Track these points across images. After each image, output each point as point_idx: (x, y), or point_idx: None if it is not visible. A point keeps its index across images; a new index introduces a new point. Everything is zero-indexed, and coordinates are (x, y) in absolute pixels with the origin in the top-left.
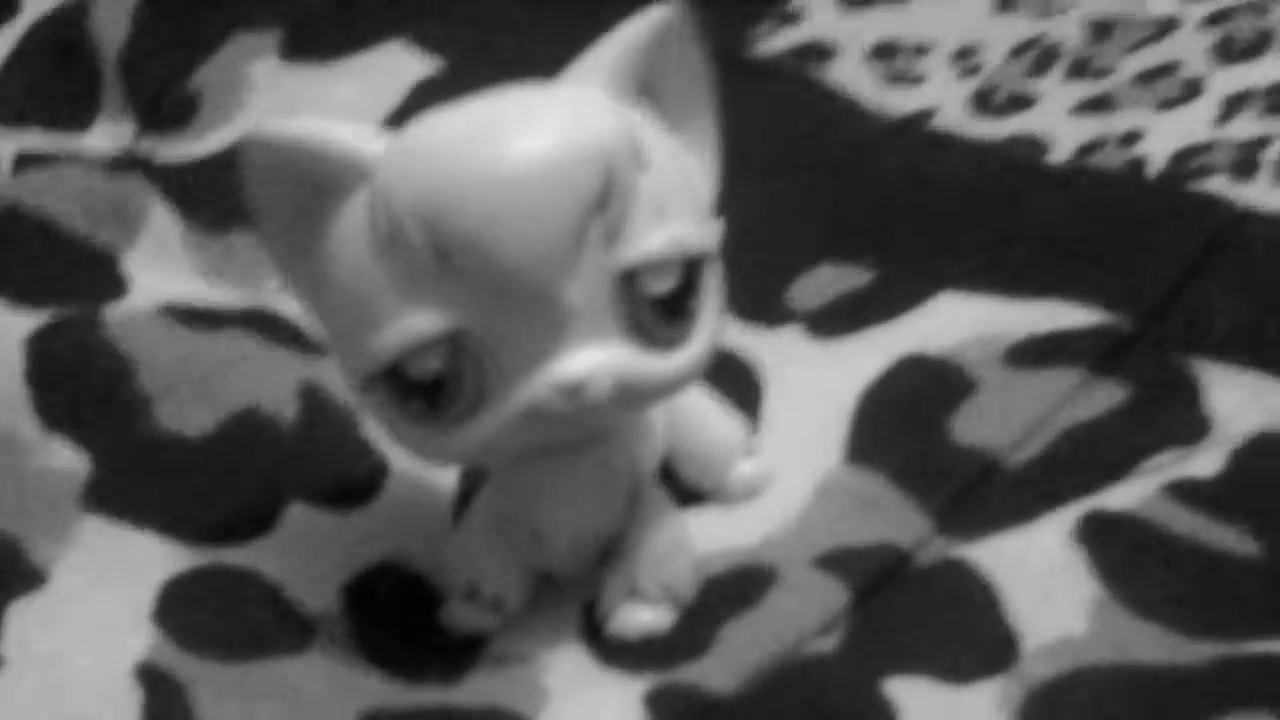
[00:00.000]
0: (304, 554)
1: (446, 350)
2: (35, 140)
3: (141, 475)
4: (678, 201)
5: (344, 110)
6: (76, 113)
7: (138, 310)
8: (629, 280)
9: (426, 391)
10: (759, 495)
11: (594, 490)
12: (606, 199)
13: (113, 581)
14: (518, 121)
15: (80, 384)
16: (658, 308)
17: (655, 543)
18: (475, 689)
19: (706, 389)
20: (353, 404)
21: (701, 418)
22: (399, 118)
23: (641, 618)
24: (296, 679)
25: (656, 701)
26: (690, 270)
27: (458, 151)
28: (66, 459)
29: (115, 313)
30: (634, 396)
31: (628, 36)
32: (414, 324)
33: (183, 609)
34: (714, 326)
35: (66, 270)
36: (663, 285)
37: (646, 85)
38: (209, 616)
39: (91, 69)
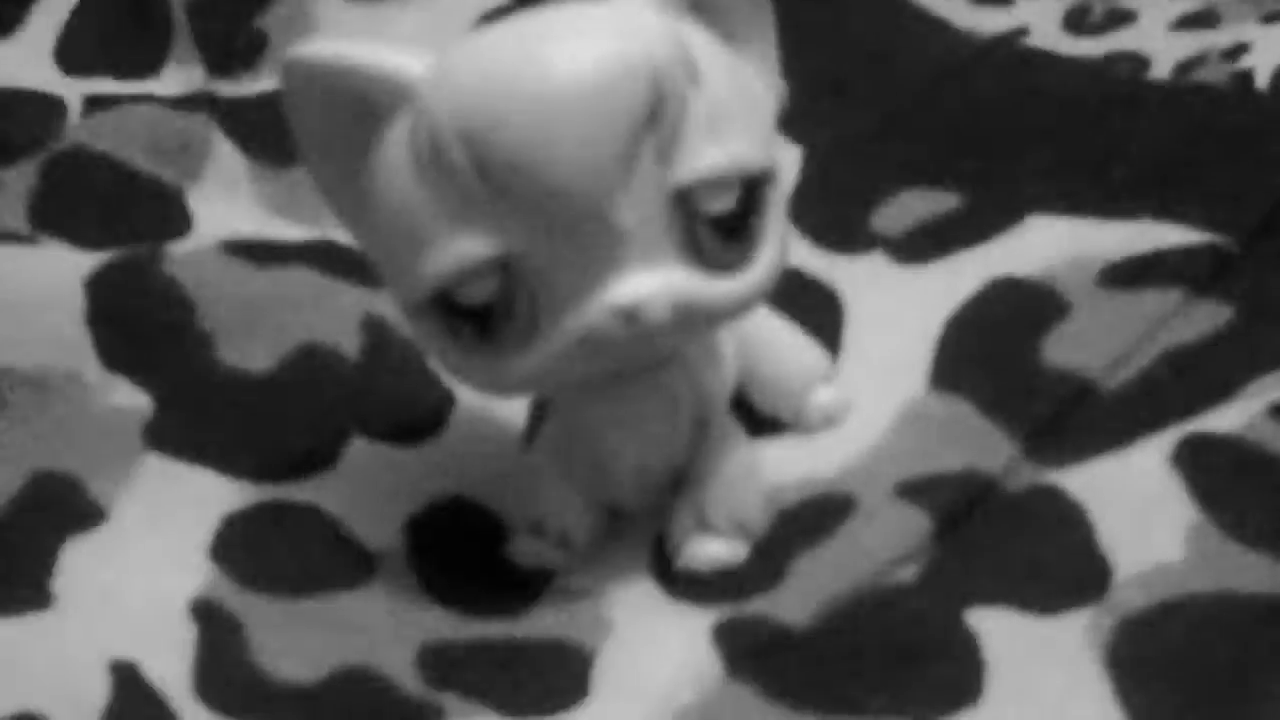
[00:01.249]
0: (367, 490)
1: (496, 276)
2: (105, 86)
3: (203, 413)
4: (734, 118)
5: (409, 42)
6: (146, 59)
7: (200, 247)
8: (685, 200)
9: (478, 319)
10: (837, 424)
11: (658, 420)
12: (657, 114)
13: (172, 518)
14: (562, 36)
15: (142, 323)
16: (716, 228)
17: (724, 473)
18: (538, 622)
19: (784, 316)
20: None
21: (777, 344)
22: None
23: (712, 550)
24: (356, 613)
25: (724, 633)
26: (750, 189)
27: (500, 69)
28: (128, 398)
29: (177, 250)
30: (693, 321)
31: None
32: (460, 249)
33: (241, 545)
34: (778, 249)
35: (132, 208)
36: (720, 205)
37: (700, 1)
38: (268, 553)
39: (161, 16)
